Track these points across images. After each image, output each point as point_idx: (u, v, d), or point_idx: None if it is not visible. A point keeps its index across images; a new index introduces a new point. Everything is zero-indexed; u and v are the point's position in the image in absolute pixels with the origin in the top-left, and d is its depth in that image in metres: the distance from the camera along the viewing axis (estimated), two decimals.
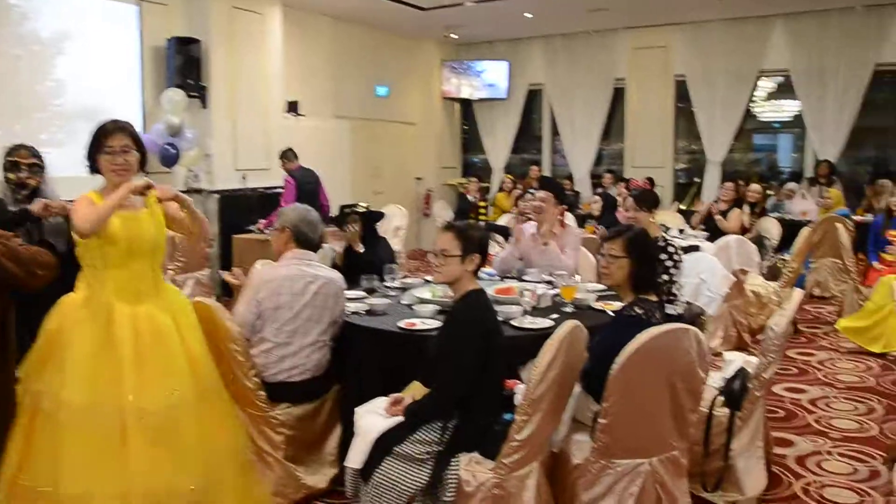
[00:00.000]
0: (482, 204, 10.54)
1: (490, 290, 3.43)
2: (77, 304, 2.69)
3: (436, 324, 3.25)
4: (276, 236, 3.48)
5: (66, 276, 2.77)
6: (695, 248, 5.67)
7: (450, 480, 2.61)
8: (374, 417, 2.79)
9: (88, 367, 2.57)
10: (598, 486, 2.67)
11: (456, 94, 11.76)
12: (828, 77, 9.31)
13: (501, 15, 9.72)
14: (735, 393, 3.09)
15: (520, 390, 2.70)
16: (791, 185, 8.80)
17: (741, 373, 3.18)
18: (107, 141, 2.71)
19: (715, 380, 3.15)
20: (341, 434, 3.36)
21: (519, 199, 8.00)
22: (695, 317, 4.01)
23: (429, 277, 4.35)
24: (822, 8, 9.11)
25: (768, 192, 8.77)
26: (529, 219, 4.57)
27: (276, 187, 8.23)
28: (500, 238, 5.69)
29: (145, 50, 7.24)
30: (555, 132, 11.59)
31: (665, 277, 4.18)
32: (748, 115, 10.14)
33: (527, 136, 12.13)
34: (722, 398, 3.11)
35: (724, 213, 7.05)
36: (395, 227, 7.48)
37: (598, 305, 3.64)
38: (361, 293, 3.88)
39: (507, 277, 4.34)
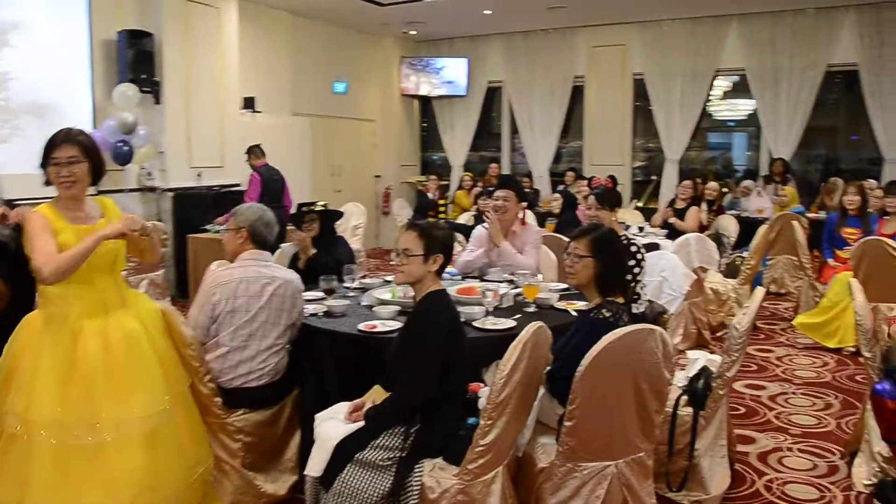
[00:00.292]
0: (441, 202, 10.47)
1: (451, 291, 3.37)
2: (39, 323, 2.63)
3: (397, 325, 3.17)
4: (232, 236, 3.35)
5: (21, 293, 2.70)
6: (655, 247, 5.69)
7: (413, 487, 2.54)
8: (333, 424, 2.71)
9: (56, 387, 2.51)
10: (564, 490, 2.63)
11: (415, 91, 11.68)
12: (781, 77, 9.46)
13: (460, 11, 9.69)
14: (698, 392, 3.08)
15: (483, 394, 2.64)
16: (747, 182, 8.94)
17: (704, 372, 3.16)
18: (53, 152, 2.65)
19: (678, 379, 3.14)
20: (301, 440, 3.26)
21: (479, 197, 7.97)
22: (657, 315, 4.02)
23: (389, 277, 4.27)
24: (775, 9, 9.25)
25: (724, 189, 8.88)
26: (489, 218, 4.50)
27: (231, 185, 8.07)
28: (461, 237, 5.61)
29: (95, 43, 6.99)
30: (514, 130, 11.59)
31: (629, 277, 4.16)
32: (704, 113, 10.25)
33: (486, 134, 12.12)
34: (685, 397, 3.11)
35: (682, 211, 7.12)
36: (353, 225, 7.38)
37: (561, 305, 3.60)
38: (320, 294, 3.78)
39: (469, 277, 4.29)
